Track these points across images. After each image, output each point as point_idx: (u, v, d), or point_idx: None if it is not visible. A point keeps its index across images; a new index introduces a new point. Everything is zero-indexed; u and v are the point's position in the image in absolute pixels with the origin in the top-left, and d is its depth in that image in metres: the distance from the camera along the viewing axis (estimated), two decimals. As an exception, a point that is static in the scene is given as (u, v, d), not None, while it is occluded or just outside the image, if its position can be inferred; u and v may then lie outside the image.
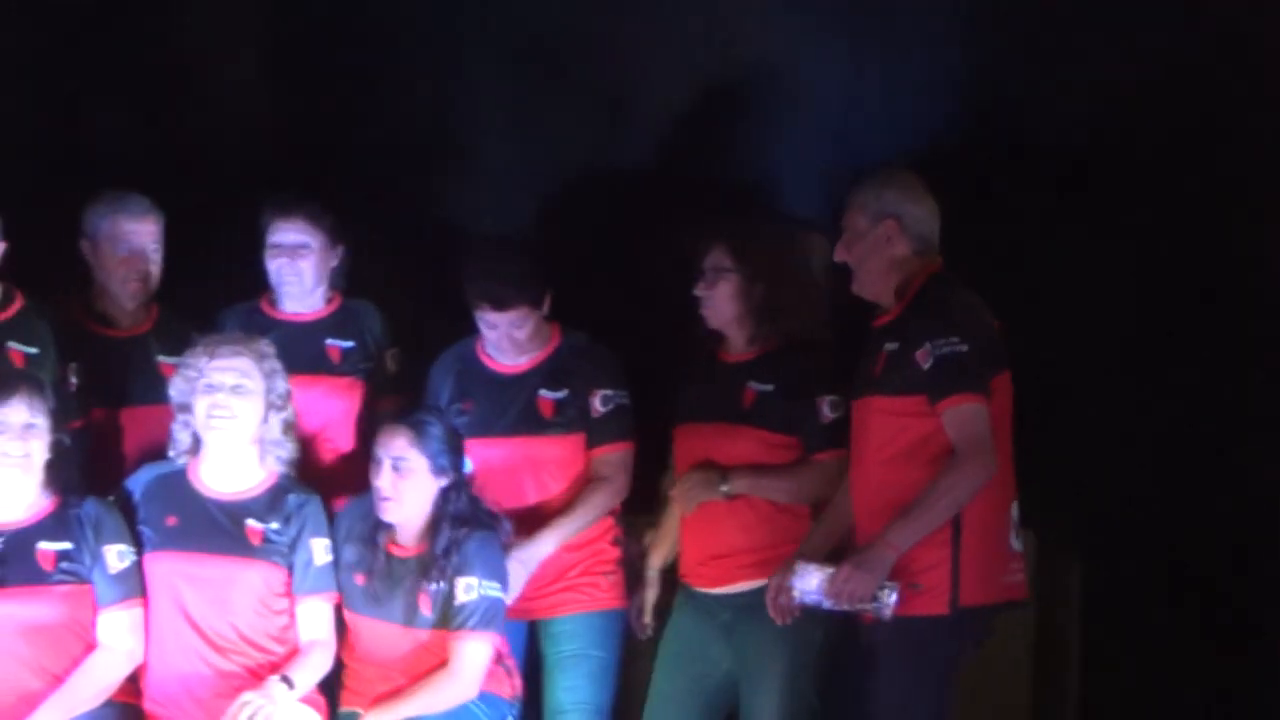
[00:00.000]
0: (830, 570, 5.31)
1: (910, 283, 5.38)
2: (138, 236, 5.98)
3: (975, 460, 5.24)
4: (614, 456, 5.86)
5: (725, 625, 5.68)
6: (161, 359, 5.96)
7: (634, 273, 6.33)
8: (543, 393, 5.89)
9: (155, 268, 6.02)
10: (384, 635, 5.59)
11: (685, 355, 5.91)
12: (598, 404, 5.85)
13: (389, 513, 5.59)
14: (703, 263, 5.76)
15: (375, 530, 5.63)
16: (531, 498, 5.84)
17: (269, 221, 6.07)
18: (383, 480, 5.57)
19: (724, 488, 5.64)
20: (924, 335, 5.29)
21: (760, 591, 5.52)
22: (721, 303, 5.74)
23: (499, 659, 5.63)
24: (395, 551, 5.63)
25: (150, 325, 6.05)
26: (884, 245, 5.39)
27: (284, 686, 5.45)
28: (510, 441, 5.86)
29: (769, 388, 5.69)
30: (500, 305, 5.78)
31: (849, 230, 5.43)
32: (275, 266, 6.05)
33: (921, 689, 5.29)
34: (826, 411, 5.63)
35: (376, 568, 5.60)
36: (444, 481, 5.61)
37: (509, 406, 5.90)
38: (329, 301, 6.13)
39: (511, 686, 5.65)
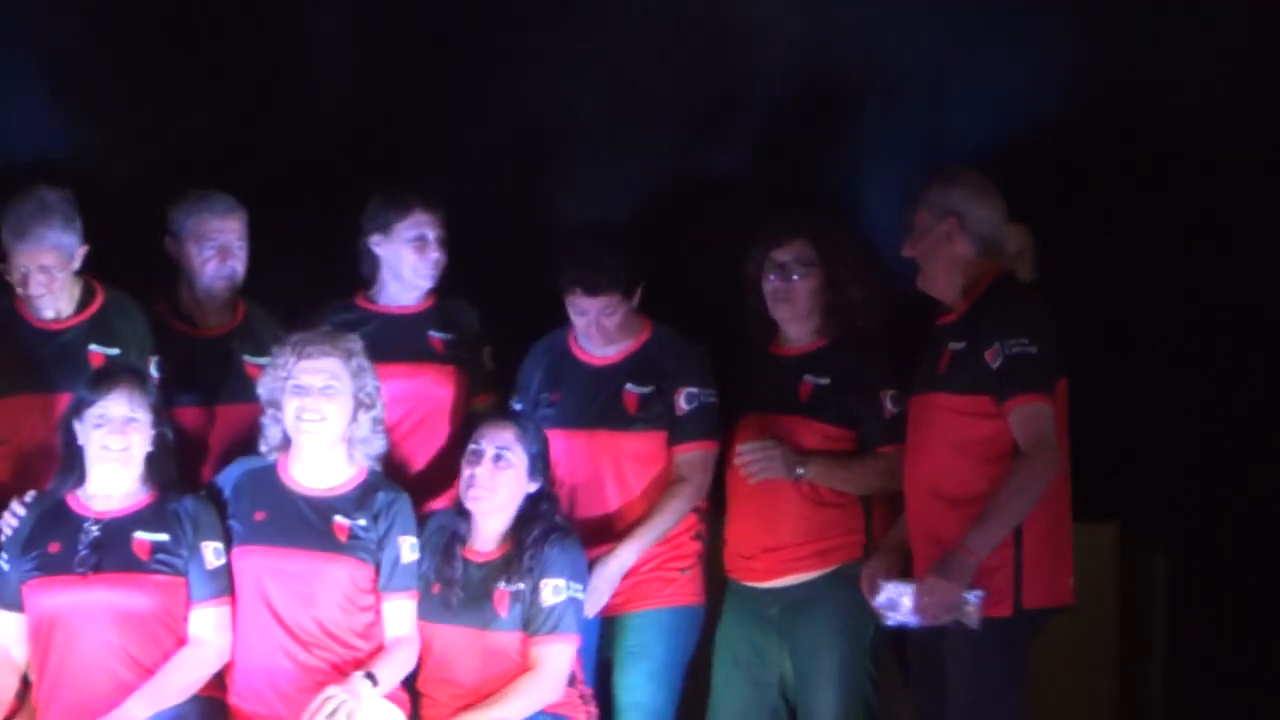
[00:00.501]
0: (911, 586, 5.36)
1: (977, 282, 5.42)
2: (223, 234, 6.04)
3: (1042, 459, 5.28)
4: (695, 456, 5.88)
5: (774, 620, 5.75)
6: (246, 358, 6.03)
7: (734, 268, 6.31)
8: (629, 387, 5.93)
9: (241, 264, 6.07)
10: (457, 640, 5.62)
11: (744, 347, 5.98)
12: (682, 402, 5.89)
13: (480, 502, 5.63)
14: (779, 256, 5.82)
15: (452, 540, 5.67)
16: (611, 493, 5.90)
17: (405, 213, 6.09)
18: (481, 469, 5.62)
19: (800, 470, 5.67)
20: (994, 335, 5.33)
21: (811, 584, 5.59)
22: (801, 296, 5.80)
23: (577, 684, 5.66)
24: (472, 558, 5.67)
25: (235, 324, 6.11)
26: (945, 242, 5.44)
27: (368, 683, 5.50)
28: (594, 435, 5.91)
29: (825, 381, 5.76)
30: (591, 290, 5.83)
31: (916, 226, 5.49)
32: (414, 260, 6.09)
33: (994, 691, 5.34)
34: (889, 405, 5.70)
35: (453, 576, 5.64)
36: (534, 486, 5.67)
37: (595, 399, 5.94)
38: (428, 296, 6.18)
39: (587, 714, 5.68)
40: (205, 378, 6.00)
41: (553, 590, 5.60)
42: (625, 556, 5.79)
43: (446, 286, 6.18)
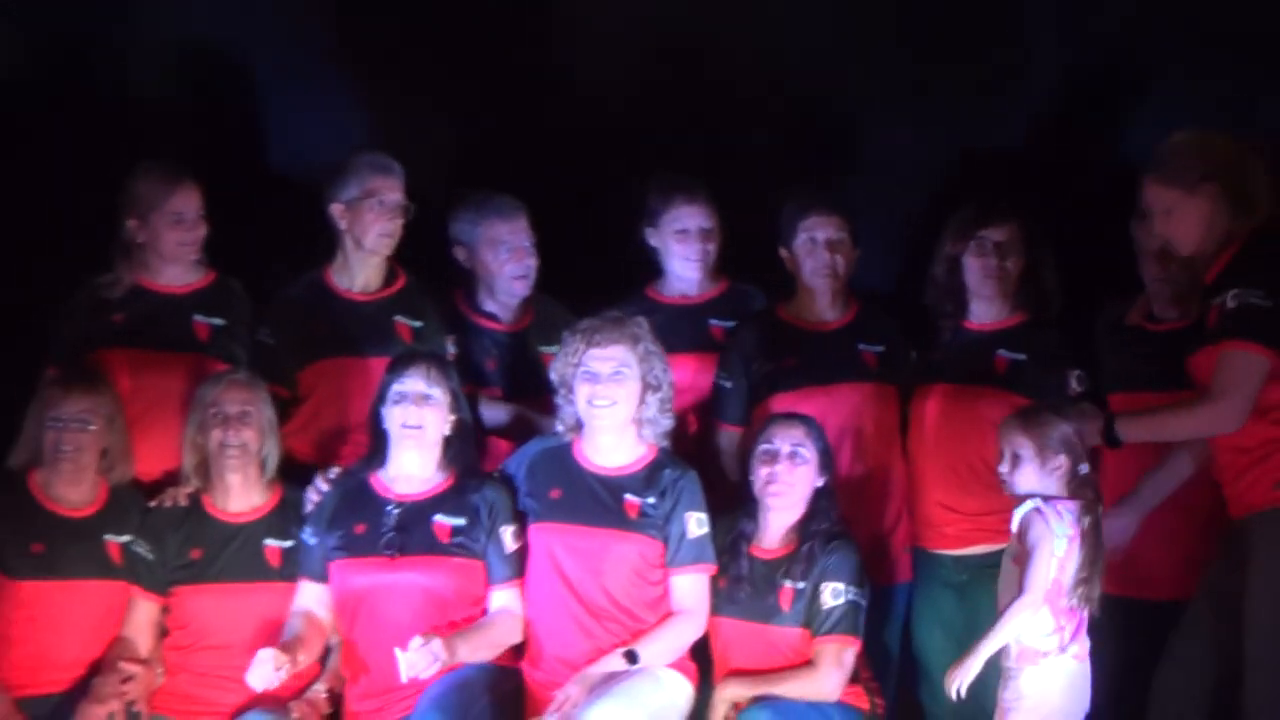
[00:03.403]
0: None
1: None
2: (514, 235, 6.22)
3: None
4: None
5: (959, 587, 5.82)
6: (542, 349, 6.21)
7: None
8: (862, 346, 6.08)
9: (534, 260, 6.25)
10: (741, 633, 5.73)
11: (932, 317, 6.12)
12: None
13: (780, 498, 5.73)
14: (993, 236, 5.94)
15: (738, 538, 5.77)
16: (848, 451, 6.01)
17: (669, 205, 6.23)
18: (780, 467, 5.71)
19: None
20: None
21: (996, 554, 5.57)
22: (1011, 275, 5.95)
23: (863, 678, 5.73)
24: (758, 555, 5.76)
25: (530, 320, 6.30)
26: (1201, 206, 5.40)
27: (625, 660, 5.62)
28: (844, 390, 6.03)
29: (1021, 357, 5.88)
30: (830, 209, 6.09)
31: (1166, 192, 5.46)
32: (682, 251, 6.24)
33: None
34: (1074, 385, 5.78)
35: (740, 572, 5.74)
36: (821, 481, 5.76)
37: (833, 367, 6.06)
38: (713, 284, 6.30)
39: (871, 704, 5.75)
40: (504, 370, 6.20)
41: (832, 594, 5.68)
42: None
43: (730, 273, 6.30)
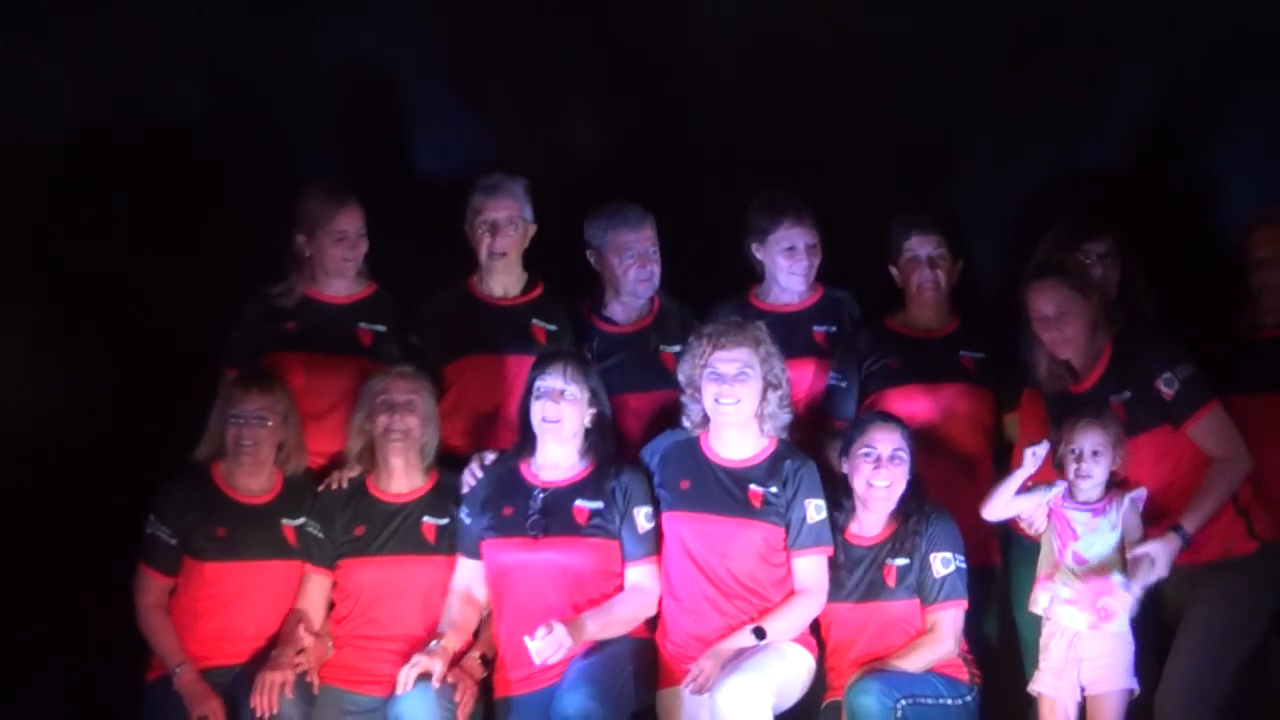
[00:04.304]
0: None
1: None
2: (640, 242, 6.59)
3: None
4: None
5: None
6: (663, 348, 6.59)
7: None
8: (964, 353, 6.45)
9: (658, 267, 6.61)
10: (853, 615, 6.10)
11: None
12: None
13: (884, 500, 6.10)
14: (1095, 248, 6.27)
15: (834, 529, 6.14)
16: (945, 444, 6.38)
17: (777, 224, 6.55)
18: (883, 470, 6.09)
19: None
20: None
21: None
22: (1111, 284, 6.29)
23: (961, 650, 6.07)
24: (855, 541, 6.15)
25: (652, 319, 6.67)
26: None
27: (753, 636, 5.99)
28: (945, 389, 6.41)
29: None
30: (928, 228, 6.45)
31: None
32: (788, 266, 6.57)
33: None
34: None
35: (838, 561, 6.12)
36: (911, 475, 6.15)
37: (936, 369, 6.43)
38: (811, 292, 6.67)
39: (970, 675, 6.08)
40: (627, 367, 6.54)
41: (941, 562, 6.06)
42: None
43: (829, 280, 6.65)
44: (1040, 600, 6.03)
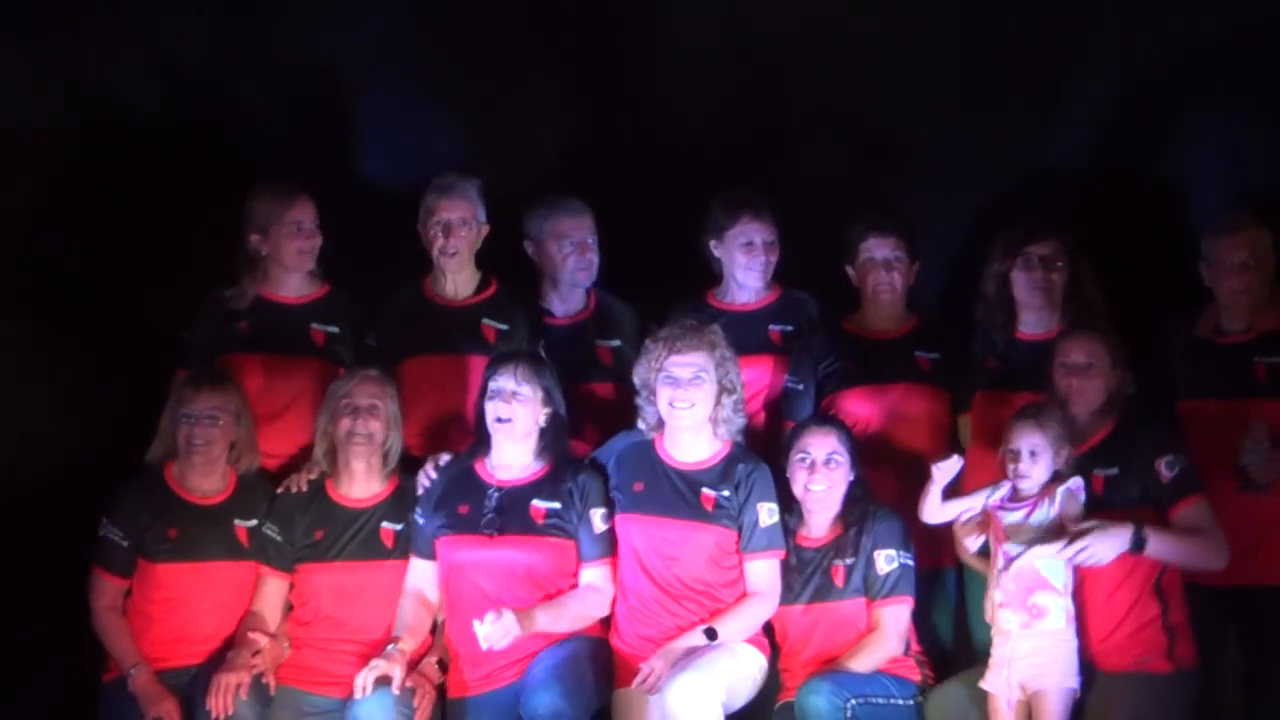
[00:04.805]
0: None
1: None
2: (579, 231, 6.62)
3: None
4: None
5: None
6: (599, 343, 6.65)
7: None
8: (919, 353, 6.46)
9: (596, 257, 6.64)
10: (803, 616, 6.12)
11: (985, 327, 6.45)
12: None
13: (820, 501, 6.13)
14: (1038, 251, 6.30)
15: (785, 532, 6.14)
16: (900, 444, 6.39)
17: (735, 220, 6.56)
18: (818, 474, 6.11)
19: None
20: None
21: None
22: (1057, 287, 6.35)
23: (914, 651, 6.09)
24: (805, 544, 6.17)
25: (589, 314, 6.70)
26: None
27: (704, 637, 6.00)
28: (899, 389, 6.42)
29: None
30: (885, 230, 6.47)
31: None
32: (745, 262, 6.60)
33: None
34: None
35: (789, 563, 6.13)
36: (852, 476, 6.17)
37: (890, 369, 6.45)
38: (769, 291, 6.68)
39: (923, 676, 6.09)
40: (564, 360, 6.51)
41: (885, 559, 6.09)
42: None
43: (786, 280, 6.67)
44: (986, 607, 6.03)
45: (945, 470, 6.01)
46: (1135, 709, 5.86)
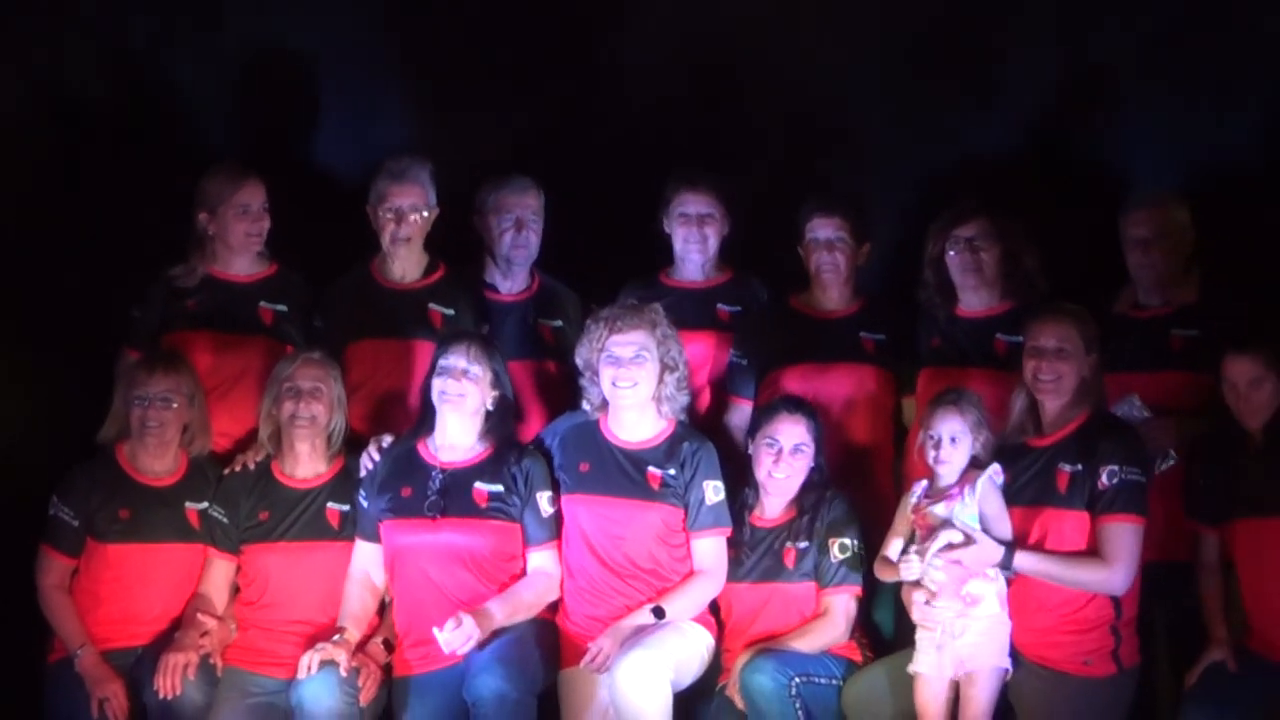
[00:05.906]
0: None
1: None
2: (520, 209, 6.63)
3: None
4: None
5: None
6: (541, 321, 6.68)
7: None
8: (864, 334, 6.52)
9: (536, 237, 6.65)
10: (751, 595, 6.15)
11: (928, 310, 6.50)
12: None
13: (782, 486, 6.16)
14: (964, 233, 6.36)
15: (740, 508, 6.19)
16: (842, 425, 6.43)
17: (675, 193, 6.63)
18: (783, 461, 6.14)
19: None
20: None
21: None
22: (988, 265, 6.39)
23: (855, 634, 6.13)
24: (760, 524, 6.19)
25: (531, 295, 6.73)
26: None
27: (652, 616, 6.03)
28: (841, 369, 6.46)
29: (1018, 339, 6.16)
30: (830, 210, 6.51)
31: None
32: (683, 234, 6.64)
33: None
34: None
35: (742, 539, 6.16)
36: (813, 463, 6.20)
37: (833, 348, 6.50)
38: (720, 271, 6.72)
39: (864, 658, 6.12)
40: (506, 338, 6.56)
41: (839, 548, 6.12)
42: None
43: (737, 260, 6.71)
44: (909, 605, 6.02)
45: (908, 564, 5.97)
46: (1074, 717, 5.90)
